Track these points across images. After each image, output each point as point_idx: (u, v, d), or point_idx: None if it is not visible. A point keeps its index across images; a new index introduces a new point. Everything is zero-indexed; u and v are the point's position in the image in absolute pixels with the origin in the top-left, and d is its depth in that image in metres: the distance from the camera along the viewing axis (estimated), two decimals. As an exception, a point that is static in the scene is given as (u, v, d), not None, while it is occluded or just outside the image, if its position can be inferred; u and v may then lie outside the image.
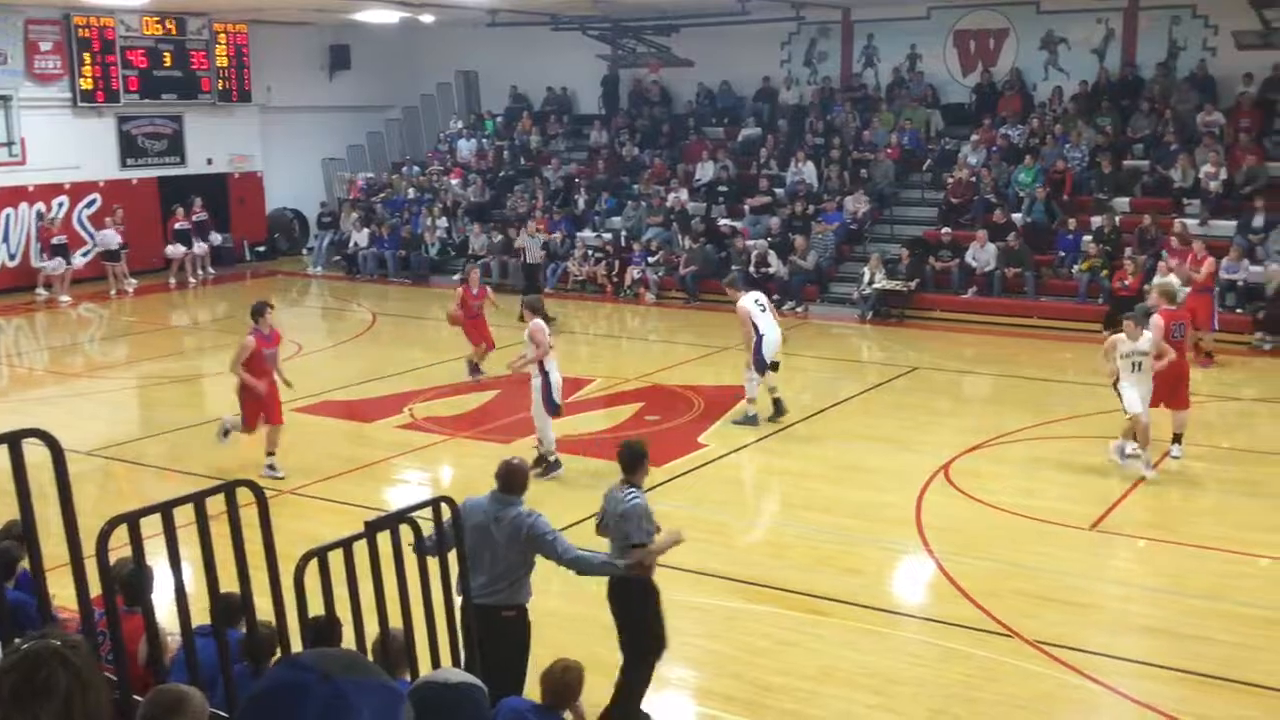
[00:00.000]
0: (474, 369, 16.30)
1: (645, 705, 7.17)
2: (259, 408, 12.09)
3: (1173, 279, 14.97)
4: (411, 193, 28.46)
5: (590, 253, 24.37)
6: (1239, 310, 18.50)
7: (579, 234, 25.29)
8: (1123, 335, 11.71)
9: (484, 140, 29.72)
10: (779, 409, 13.82)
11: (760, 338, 13.56)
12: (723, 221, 23.85)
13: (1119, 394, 11.91)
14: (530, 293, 18.21)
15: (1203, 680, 7.67)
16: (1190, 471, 12.12)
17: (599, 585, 7.15)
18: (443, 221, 26.90)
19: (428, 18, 26.38)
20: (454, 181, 28.37)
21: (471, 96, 31.48)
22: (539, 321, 12.17)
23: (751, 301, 13.78)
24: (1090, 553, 10.07)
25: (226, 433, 12.32)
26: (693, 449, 13.12)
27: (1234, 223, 19.81)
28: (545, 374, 12.01)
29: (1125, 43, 23.45)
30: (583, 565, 6.74)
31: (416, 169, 29.51)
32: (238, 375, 12.02)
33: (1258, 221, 19.50)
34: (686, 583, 9.40)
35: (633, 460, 7.19)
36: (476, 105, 31.23)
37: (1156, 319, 12.10)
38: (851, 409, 14.73)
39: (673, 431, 13.97)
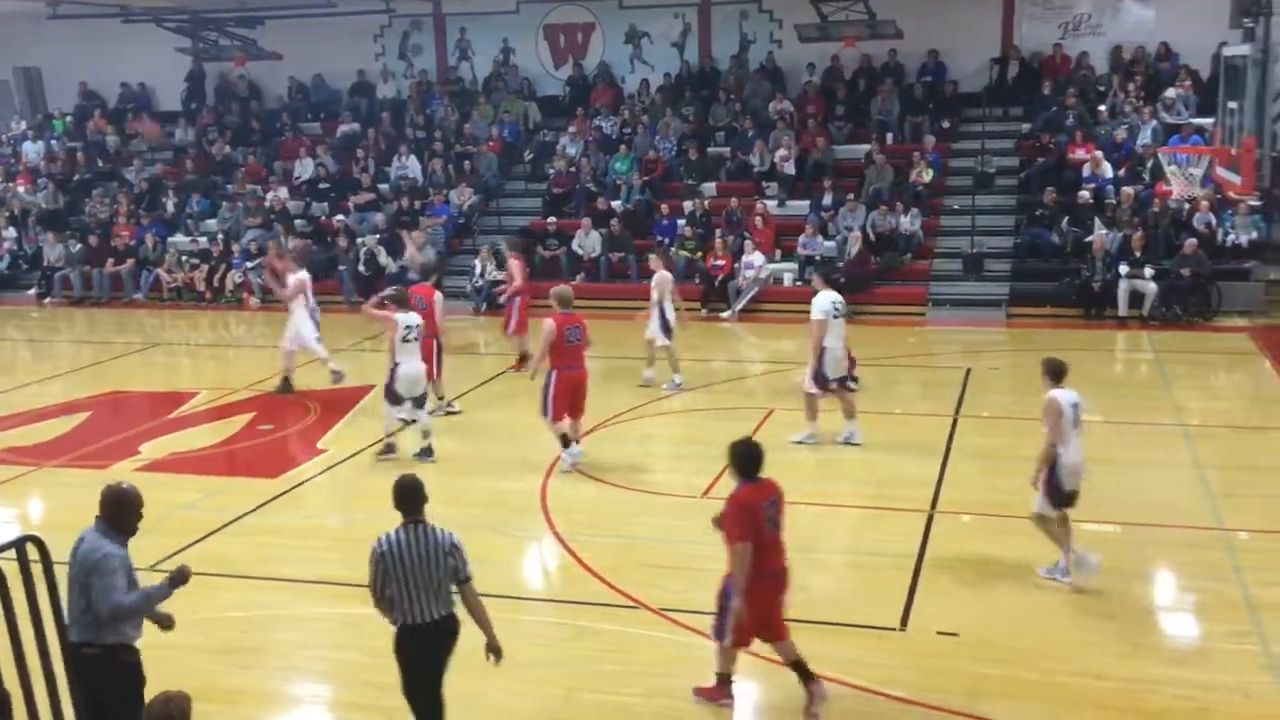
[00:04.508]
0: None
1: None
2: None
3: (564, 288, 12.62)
4: (-28, 201, 25.75)
5: (185, 258, 23.00)
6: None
7: (171, 239, 23.81)
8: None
9: (53, 141, 27.36)
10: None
11: (396, 365, 12.28)
12: (338, 218, 23.22)
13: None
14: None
15: (804, 625, 8.33)
16: (783, 435, 13.10)
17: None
18: (10, 232, 24.62)
19: (-25, 9, 23.93)
20: (21, 188, 25.92)
21: (35, 94, 28.89)
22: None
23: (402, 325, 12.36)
24: (703, 520, 10.58)
25: None
26: (313, 455, 12.76)
27: (807, 202, 21.63)
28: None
29: (702, 37, 24.99)
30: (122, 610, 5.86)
31: (-24, 176, 26.72)
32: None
33: (827, 200, 21.39)
34: (309, 593, 9.14)
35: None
36: (42, 104, 28.70)
37: (549, 323, 11.54)
38: (471, 401, 14.80)
39: (290, 439, 13.52)
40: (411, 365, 12.10)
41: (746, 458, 7.10)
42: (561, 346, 11.60)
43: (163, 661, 6.32)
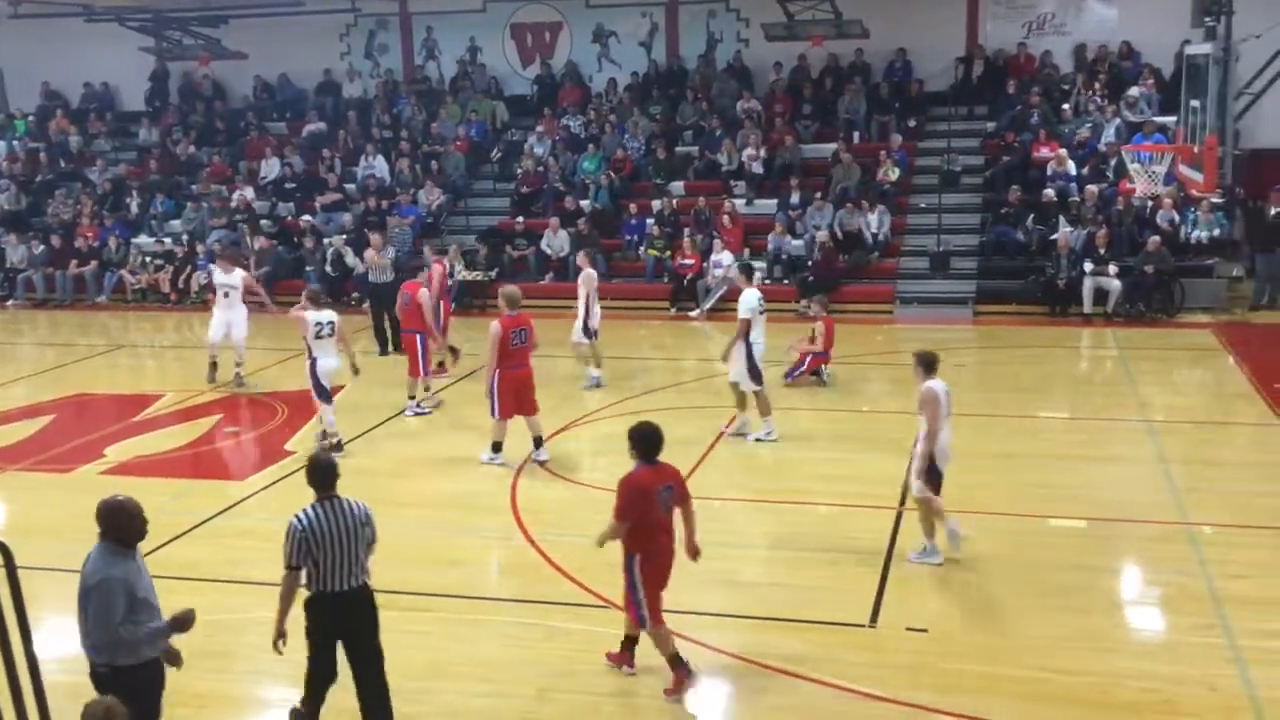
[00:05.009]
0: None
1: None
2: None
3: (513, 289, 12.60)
4: (-68, 202, 25.42)
5: (148, 259, 22.79)
6: (785, 281, 20.29)
7: (135, 240, 23.58)
8: None
9: (15, 142, 27.05)
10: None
11: (314, 361, 12.45)
12: (304, 219, 23.06)
13: None
14: (382, 317, 17.26)
15: (774, 623, 8.38)
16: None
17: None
18: (-28, 234, 24.21)
19: (-65, 8, 23.63)
20: (-18, 189, 25.62)
21: (-4, 94, 28.57)
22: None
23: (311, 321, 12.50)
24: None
25: None
26: (281, 457, 12.67)
27: (775, 201, 21.69)
28: None
29: (669, 36, 25.01)
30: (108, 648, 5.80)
31: (-64, 177, 26.37)
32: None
33: (795, 199, 21.45)
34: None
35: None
36: (3, 104, 28.41)
37: (495, 325, 11.62)
38: (442, 400, 14.76)
39: (257, 441, 13.43)
40: (329, 359, 12.38)
41: (643, 441, 7.35)
42: (506, 348, 11.63)
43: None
